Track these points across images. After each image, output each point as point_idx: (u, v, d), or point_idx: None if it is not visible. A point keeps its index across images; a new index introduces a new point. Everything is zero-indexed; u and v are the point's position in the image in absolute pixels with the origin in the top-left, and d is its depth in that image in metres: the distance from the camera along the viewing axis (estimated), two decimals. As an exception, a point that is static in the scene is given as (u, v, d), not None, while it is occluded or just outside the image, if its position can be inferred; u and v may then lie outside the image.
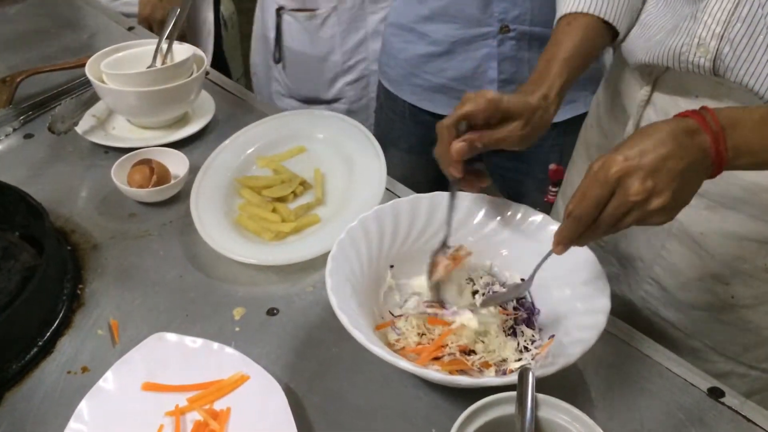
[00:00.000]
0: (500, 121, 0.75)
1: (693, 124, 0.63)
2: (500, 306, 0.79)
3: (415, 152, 1.36)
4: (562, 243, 0.67)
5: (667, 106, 0.82)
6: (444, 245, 0.82)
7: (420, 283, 0.83)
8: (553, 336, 0.76)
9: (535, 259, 0.79)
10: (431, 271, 0.80)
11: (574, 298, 0.76)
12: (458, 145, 0.75)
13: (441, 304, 0.79)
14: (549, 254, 0.72)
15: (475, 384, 0.69)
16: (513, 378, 0.66)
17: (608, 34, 0.83)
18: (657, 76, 0.82)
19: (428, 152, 1.36)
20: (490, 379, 0.68)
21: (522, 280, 0.81)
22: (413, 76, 1.29)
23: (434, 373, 0.69)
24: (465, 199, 0.86)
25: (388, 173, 1.02)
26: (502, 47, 1.19)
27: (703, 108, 0.64)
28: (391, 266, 0.84)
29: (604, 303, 0.72)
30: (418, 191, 0.89)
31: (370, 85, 1.63)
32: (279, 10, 1.58)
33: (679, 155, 0.61)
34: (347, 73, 1.62)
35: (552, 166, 1.13)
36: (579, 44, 0.80)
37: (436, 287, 0.80)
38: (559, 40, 0.81)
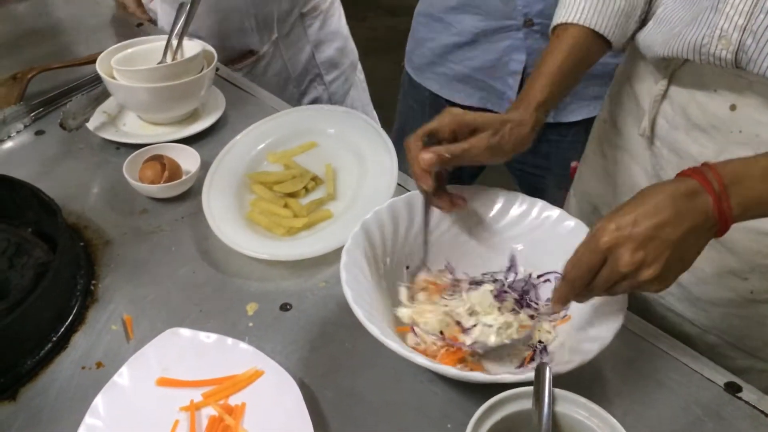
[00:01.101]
0: (469, 135, 0.78)
1: (694, 185, 0.62)
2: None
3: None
4: (559, 302, 0.69)
5: (683, 100, 0.81)
6: (424, 265, 0.82)
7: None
8: (568, 315, 0.76)
9: (549, 255, 0.79)
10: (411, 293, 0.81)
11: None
12: (425, 154, 0.76)
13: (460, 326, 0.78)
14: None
15: (491, 380, 0.68)
16: (529, 375, 0.65)
17: (601, 43, 0.84)
18: (674, 69, 0.81)
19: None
20: (505, 375, 0.68)
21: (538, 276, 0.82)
22: (437, 65, 1.31)
23: (450, 369, 0.68)
24: (481, 193, 0.85)
25: (405, 163, 1.01)
26: (529, 40, 1.18)
27: (704, 165, 0.64)
28: (407, 267, 0.83)
29: (621, 299, 0.72)
30: None
31: (333, 97, 1.58)
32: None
33: (677, 222, 0.61)
34: (304, 96, 1.56)
35: (574, 164, 1.12)
36: (565, 58, 0.81)
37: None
38: (545, 54, 0.82)
